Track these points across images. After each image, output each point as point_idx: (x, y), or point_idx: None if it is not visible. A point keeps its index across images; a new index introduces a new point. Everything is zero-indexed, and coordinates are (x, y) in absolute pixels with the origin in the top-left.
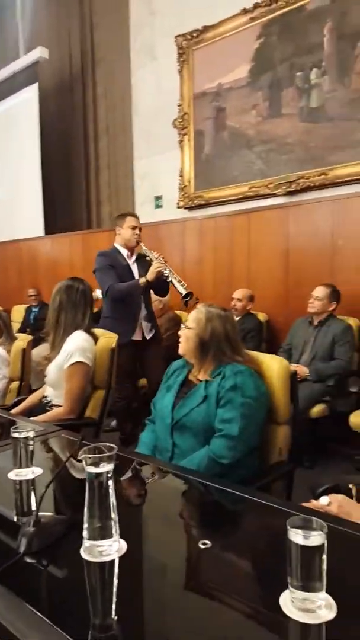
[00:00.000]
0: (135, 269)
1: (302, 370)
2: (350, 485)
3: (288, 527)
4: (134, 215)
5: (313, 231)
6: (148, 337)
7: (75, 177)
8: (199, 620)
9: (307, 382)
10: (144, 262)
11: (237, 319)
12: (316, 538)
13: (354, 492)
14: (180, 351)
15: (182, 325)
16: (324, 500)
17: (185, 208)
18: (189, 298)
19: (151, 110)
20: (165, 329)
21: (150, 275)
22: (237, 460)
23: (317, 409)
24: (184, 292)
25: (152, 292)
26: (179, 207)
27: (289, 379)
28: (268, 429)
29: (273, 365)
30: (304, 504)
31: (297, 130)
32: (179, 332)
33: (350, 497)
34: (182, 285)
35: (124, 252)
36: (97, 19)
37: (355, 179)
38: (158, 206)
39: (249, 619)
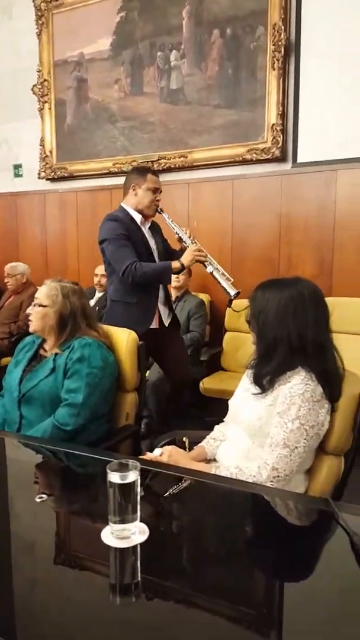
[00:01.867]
0: (151, 240)
1: None
2: (184, 438)
3: (107, 470)
4: (156, 174)
5: (172, 211)
6: (167, 323)
7: None
8: (31, 570)
9: None
10: (157, 231)
11: (100, 294)
12: (130, 476)
13: (187, 443)
14: (33, 328)
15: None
16: (156, 451)
17: (47, 179)
18: (235, 297)
19: (8, 73)
20: (28, 304)
21: (188, 260)
22: (81, 426)
23: None
24: (233, 292)
25: None
26: (40, 178)
27: (137, 350)
28: (117, 396)
29: (122, 337)
30: (141, 457)
31: (158, 110)
32: (28, 310)
33: (184, 448)
34: (230, 283)
35: (137, 218)
36: None
37: (209, 163)
38: (17, 175)
39: (75, 559)
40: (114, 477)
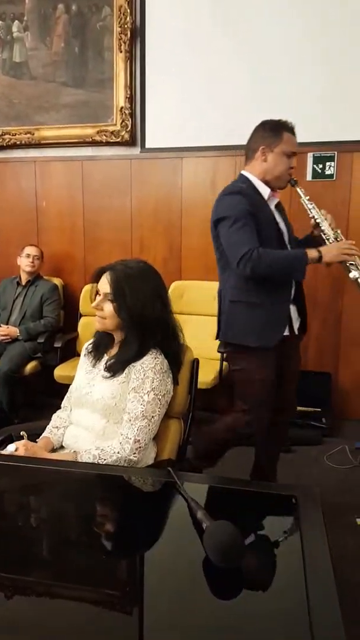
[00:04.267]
0: (280, 222)
1: (13, 330)
2: (22, 433)
3: None
4: (294, 131)
5: (18, 190)
6: (296, 329)
7: None
8: None
9: (19, 342)
10: (281, 210)
11: None
12: None
13: (25, 437)
14: None
15: None
16: (11, 448)
17: None
18: None
19: None
20: None
21: (331, 255)
22: None
23: (30, 366)
24: None
25: None
26: None
27: None
28: None
29: None
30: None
31: (1, 82)
32: None
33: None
34: None
35: (265, 192)
36: None
37: (58, 142)
38: None
39: None
40: None
